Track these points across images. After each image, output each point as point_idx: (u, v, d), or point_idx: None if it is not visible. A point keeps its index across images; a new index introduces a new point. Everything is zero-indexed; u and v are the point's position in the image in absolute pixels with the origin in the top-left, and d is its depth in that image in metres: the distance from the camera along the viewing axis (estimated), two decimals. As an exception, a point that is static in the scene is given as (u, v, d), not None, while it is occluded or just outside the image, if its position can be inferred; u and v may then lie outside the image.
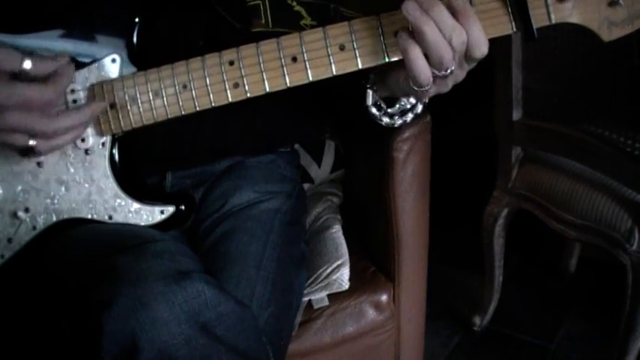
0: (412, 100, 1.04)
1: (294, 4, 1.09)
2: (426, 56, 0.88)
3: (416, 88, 0.90)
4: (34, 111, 0.91)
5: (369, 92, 1.02)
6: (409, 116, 1.05)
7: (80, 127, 0.98)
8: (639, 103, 1.60)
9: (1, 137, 0.93)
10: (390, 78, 0.98)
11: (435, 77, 0.89)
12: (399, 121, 1.05)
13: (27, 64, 0.90)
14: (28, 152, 0.94)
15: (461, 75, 0.93)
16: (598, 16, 0.89)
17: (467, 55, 0.89)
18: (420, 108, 1.04)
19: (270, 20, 1.07)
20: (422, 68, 0.88)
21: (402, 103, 1.04)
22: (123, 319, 0.83)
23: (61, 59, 0.94)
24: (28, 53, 0.93)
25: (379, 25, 0.91)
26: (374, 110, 1.03)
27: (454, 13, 0.87)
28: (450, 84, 0.93)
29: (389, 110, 1.04)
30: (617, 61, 1.55)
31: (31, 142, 0.93)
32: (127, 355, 0.83)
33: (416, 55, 0.88)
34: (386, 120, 1.04)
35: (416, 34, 0.87)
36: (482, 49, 0.88)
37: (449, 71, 0.88)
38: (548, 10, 0.88)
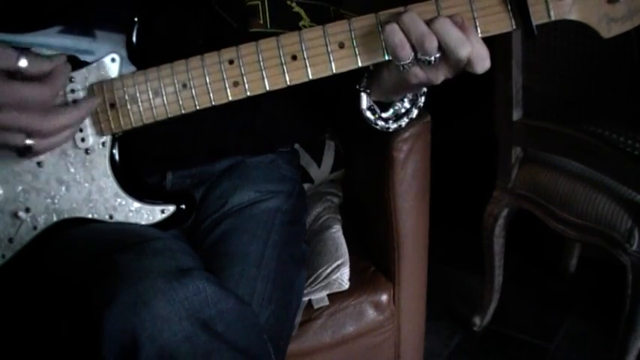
0: (407, 105, 1.04)
1: (294, 4, 1.09)
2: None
3: (397, 63, 0.90)
4: (31, 110, 0.90)
5: (363, 96, 1.02)
6: (404, 121, 1.05)
7: (76, 125, 0.97)
8: (639, 103, 1.60)
9: None
10: (382, 73, 0.97)
11: (419, 61, 0.89)
12: (393, 125, 1.05)
13: (23, 63, 0.89)
14: (25, 152, 0.94)
15: (452, 72, 0.93)
16: (597, 12, 0.89)
17: (466, 67, 0.90)
18: (414, 112, 1.04)
19: (268, 21, 1.07)
20: (399, 42, 0.88)
21: (397, 107, 1.04)
22: (124, 316, 0.83)
23: (58, 59, 0.94)
24: (25, 49, 0.93)
25: (378, 22, 0.91)
26: (368, 114, 1.03)
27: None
28: (440, 77, 0.93)
29: (383, 115, 1.04)
30: (617, 61, 1.55)
31: (28, 142, 0.92)
32: (128, 353, 0.83)
33: (392, 28, 0.88)
34: (380, 124, 1.04)
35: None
36: (484, 64, 0.89)
37: (432, 59, 0.88)
38: (547, 7, 0.88)
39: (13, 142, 0.92)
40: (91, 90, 0.98)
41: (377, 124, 1.04)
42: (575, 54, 1.57)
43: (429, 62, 0.89)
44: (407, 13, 0.88)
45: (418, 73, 0.91)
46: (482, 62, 0.89)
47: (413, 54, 0.89)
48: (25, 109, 0.90)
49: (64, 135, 0.96)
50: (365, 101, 1.02)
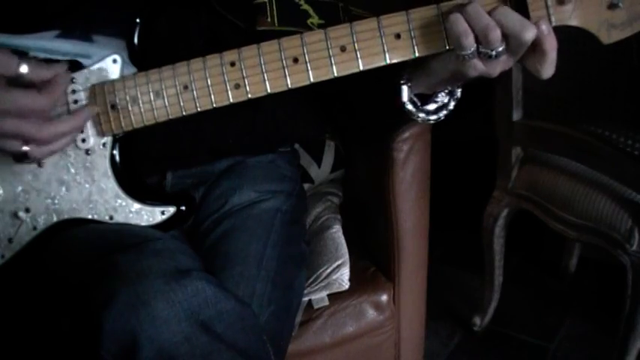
0: (444, 100, 1.03)
1: (302, 2, 1.09)
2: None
3: (459, 52, 0.89)
4: (29, 118, 0.91)
5: (404, 88, 1.01)
6: (443, 113, 1.04)
7: (74, 133, 0.98)
8: (639, 103, 1.60)
9: None
10: (433, 65, 0.97)
11: (481, 53, 0.89)
12: (433, 117, 1.04)
13: (23, 69, 0.90)
14: (22, 157, 0.95)
15: (510, 63, 0.92)
16: (598, 18, 0.89)
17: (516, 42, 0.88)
18: (452, 104, 1.04)
19: (276, 18, 1.07)
20: (463, 30, 0.87)
21: (438, 100, 1.03)
22: (123, 317, 0.83)
23: (58, 67, 0.95)
24: (24, 54, 0.94)
25: (379, 26, 0.91)
26: (410, 107, 1.03)
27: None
28: (498, 69, 0.92)
29: (426, 107, 1.03)
30: (617, 61, 1.55)
31: (25, 148, 0.93)
32: (127, 354, 0.83)
33: (456, 17, 0.87)
34: (422, 116, 1.03)
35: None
36: (527, 34, 0.87)
37: (494, 53, 0.88)
38: (548, 13, 0.88)
39: (10, 148, 0.93)
40: (93, 91, 0.98)
41: (418, 117, 1.03)
42: (575, 54, 1.56)
43: (490, 56, 0.88)
44: (470, 4, 0.87)
45: (477, 65, 0.91)
46: (552, 41, 0.88)
47: (476, 45, 0.88)
48: (24, 117, 0.91)
49: (61, 143, 0.97)
50: (406, 94, 1.02)
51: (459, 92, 1.03)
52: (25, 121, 0.91)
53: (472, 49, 0.88)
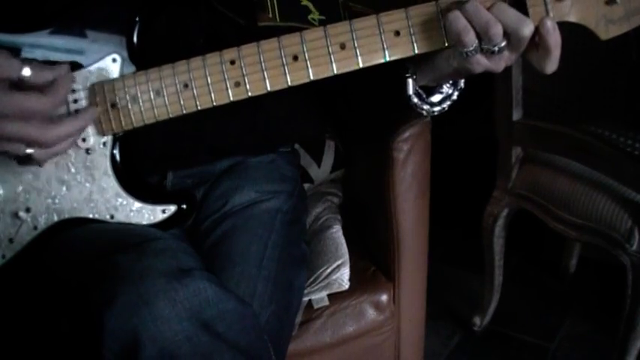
0: (448, 91, 1.03)
1: None
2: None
3: (461, 50, 0.89)
4: (32, 120, 0.91)
5: (410, 81, 1.01)
6: (447, 103, 1.04)
7: (77, 135, 0.98)
8: (639, 103, 1.60)
9: None
10: (438, 60, 0.97)
11: (484, 49, 0.89)
12: (436, 109, 1.04)
13: (26, 72, 0.90)
14: (25, 160, 0.95)
15: (513, 58, 0.92)
16: (595, 14, 0.89)
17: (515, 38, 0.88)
18: (455, 95, 1.04)
19: (277, 14, 1.07)
20: (463, 27, 0.87)
21: (442, 91, 1.03)
22: (124, 316, 0.83)
23: (60, 68, 0.94)
24: (17, 52, 0.93)
25: (379, 23, 0.91)
26: (415, 99, 1.03)
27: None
28: (502, 64, 0.92)
29: (431, 99, 1.03)
30: (617, 60, 1.55)
31: (28, 151, 0.93)
32: (128, 353, 0.83)
33: (455, 15, 0.88)
34: (426, 107, 1.03)
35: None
36: (525, 29, 0.87)
37: (496, 48, 0.88)
38: (546, 9, 0.88)
39: (13, 151, 0.93)
40: (92, 90, 0.98)
41: (422, 109, 1.03)
42: (575, 54, 1.57)
43: (493, 51, 0.88)
44: (469, 2, 0.87)
45: (481, 61, 0.91)
46: (557, 38, 0.88)
47: (477, 41, 0.88)
48: (27, 120, 0.90)
49: (65, 144, 0.97)
50: (411, 87, 1.02)
51: (462, 82, 1.03)
52: (28, 124, 0.91)
53: (474, 45, 0.88)
